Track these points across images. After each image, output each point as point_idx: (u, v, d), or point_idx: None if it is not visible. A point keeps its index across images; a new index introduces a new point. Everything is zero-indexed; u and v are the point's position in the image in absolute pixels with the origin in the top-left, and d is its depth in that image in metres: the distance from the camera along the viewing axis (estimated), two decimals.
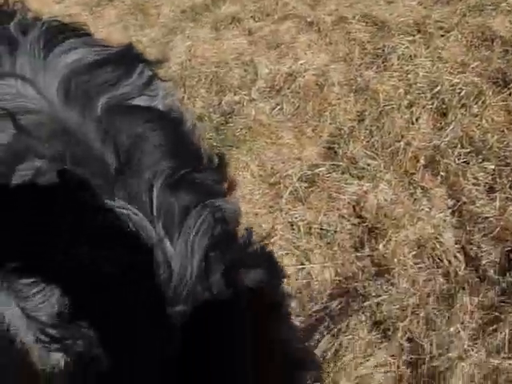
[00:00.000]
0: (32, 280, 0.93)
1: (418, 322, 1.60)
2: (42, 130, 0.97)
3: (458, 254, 1.80)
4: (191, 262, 0.92)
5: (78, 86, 1.01)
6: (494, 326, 1.58)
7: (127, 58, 1.12)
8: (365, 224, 1.89)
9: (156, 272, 0.89)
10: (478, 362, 1.52)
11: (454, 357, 1.53)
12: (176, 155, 1.01)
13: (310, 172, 2.05)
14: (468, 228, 1.84)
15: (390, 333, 1.60)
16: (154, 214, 0.92)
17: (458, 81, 2.28)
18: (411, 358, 1.56)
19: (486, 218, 1.84)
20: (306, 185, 2.02)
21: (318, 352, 1.53)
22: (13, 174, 0.94)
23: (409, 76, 2.35)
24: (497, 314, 1.60)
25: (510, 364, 1.52)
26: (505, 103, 2.17)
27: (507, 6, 2.58)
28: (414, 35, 2.55)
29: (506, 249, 1.77)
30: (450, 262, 1.78)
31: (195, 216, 0.95)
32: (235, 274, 0.96)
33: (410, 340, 1.59)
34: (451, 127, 2.11)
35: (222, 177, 1.14)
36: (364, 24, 2.69)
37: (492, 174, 1.96)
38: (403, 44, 2.51)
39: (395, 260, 1.77)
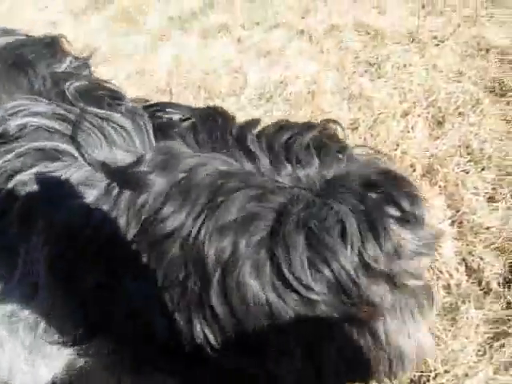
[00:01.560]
0: None
1: None
2: None
3: (458, 266, 1.70)
4: None
5: None
6: (502, 341, 1.48)
7: None
8: None
9: None
10: (485, 379, 1.42)
11: (460, 374, 1.43)
12: None
13: None
14: (469, 239, 1.76)
15: None
16: None
17: (454, 90, 2.21)
18: (414, 376, 1.46)
19: (488, 228, 1.76)
20: None
21: None
22: None
23: (403, 84, 2.28)
24: (504, 328, 1.50)
25: None
26: (503, 112, 2.11)
27: (501, 17, 2.54)
28: (407, 44, 2.50)
29: (510, 260, 1.69)
30: (450, 274, 1.68)
31: None
32: None
33: None
34: (448, 136, 2.04)
35: None
36: (356, 33, 2.63)
37: (492, 184, 1.88)
38: (397, 53, 2.45)
39: None
